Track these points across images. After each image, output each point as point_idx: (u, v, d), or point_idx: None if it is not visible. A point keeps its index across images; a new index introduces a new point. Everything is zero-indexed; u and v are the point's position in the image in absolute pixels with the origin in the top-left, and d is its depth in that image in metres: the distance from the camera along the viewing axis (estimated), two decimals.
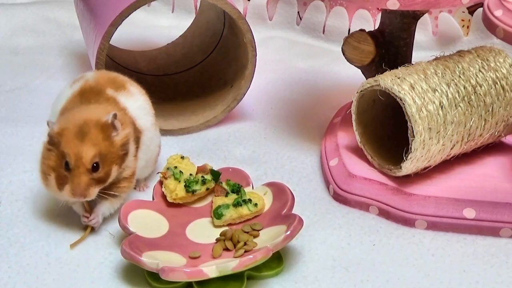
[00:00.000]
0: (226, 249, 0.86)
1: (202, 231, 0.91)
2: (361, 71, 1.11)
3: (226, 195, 0.94)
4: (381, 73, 0.95)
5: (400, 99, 0.91)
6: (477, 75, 0.96)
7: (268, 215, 0.91)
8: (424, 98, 0.91)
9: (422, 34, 1.41)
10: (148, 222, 0.90)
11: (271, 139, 1.13)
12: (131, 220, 0.89)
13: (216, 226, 0.91)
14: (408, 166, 0.93)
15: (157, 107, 1.02)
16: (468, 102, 0.94)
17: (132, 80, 1.01)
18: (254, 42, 1.11)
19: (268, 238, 0.85)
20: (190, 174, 0.97)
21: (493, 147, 1.02)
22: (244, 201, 0.92)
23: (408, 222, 0.93)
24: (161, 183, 0.97)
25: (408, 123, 0.91)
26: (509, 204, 0.92)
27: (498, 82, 0.97)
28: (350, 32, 1.42)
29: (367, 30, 1.06)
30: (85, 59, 1.35)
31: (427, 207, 0.93)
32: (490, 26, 0.91)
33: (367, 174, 0.97)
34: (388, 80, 0.93)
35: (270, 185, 0.95)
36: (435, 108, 0.92)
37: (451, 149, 0.95)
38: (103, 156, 0.86)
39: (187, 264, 0.83)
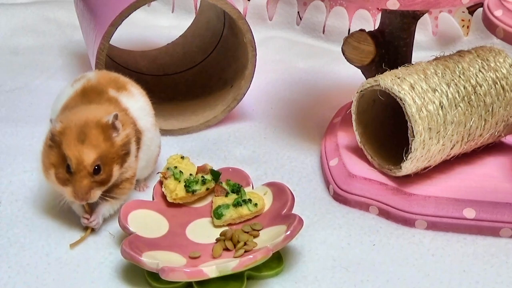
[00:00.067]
0: (226, 249, 0.86)
1: (202, 231, 0.91)
2: (361, 71, 1.10)
3: (226, 195, 0.94)
4: (381, 73, 0.95)
5: (400, 99, 0.91)
6: (477, 75, 0.96)
7: (268, 215, 0.91)
8: (424, 98, 0.91)
9: (422, 34, 1.41)
10: (148, 222, 0.90)
11: (271, 139, 1.13)
12: (131, 220, 0.89)
13: (216, 226, 0.91)
14: (408, 166, 0.93)
15: (157, 107, 1.02)
16: (468, 102, 0.94)
17: (132, 81, 1.01)
18: (254, 42, 1.11)
19: (268, 238, 0.85)
20: (190, 174, 0.97)
21: (493, 147, 1.02)
22: (244, 201, 0.92)
23: (408, 222, 0.93)
24: (161, 183, 0.97)
25: (408, 123, 0.91)
26: (509, 204, 0.92)
27: (498, 82, 0.97)
28: (350, 32, 1.42)
29: (367, 30, 1.06)
30: (85, 59, 1.35)
31: (427, 207, 0.93)
32: (490, 26, 0.91)
33: (367, 174, 0.97)
34: (388, 80, 0.93)
35: (270, 185, 0.95)
36: (435, 108, 0.92)
37: (451, 149, 0.95)
38: (104, 157, 0.86)
39: (187, 264, 0.83)
